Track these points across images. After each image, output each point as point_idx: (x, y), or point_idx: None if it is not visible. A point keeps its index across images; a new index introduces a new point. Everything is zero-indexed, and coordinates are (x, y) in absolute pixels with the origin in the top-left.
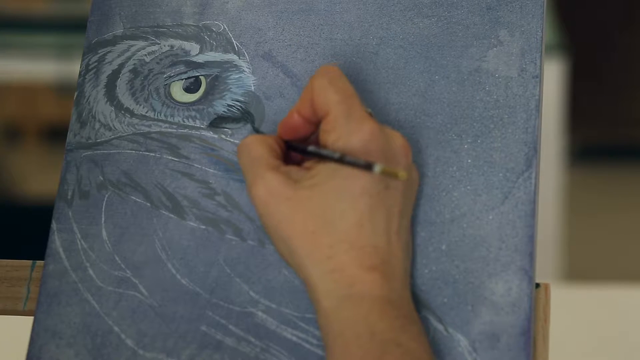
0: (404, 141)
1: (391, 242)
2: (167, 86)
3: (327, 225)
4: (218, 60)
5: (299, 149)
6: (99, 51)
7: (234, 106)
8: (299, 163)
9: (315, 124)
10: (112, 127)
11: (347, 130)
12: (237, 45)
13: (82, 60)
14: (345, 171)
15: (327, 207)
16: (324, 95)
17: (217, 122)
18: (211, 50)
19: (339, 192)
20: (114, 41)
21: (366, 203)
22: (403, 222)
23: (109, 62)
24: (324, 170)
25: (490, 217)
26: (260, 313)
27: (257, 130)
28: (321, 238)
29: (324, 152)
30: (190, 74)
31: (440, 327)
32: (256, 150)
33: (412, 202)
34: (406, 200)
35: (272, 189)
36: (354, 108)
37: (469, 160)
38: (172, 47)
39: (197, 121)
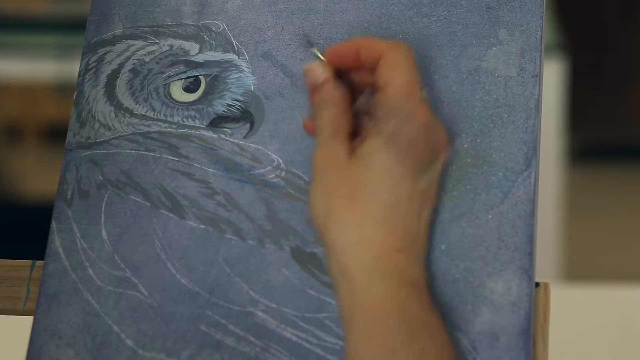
0: (444, 136)
1: (420, 229)
2: (167, 86)
3: (368, 195)
4: (217, 59)
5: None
6: (99, 51)
7: (233, 106)
8: (358, 114)
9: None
10: (112, 127)
11: (402, 115)
12: (236, 45)
13: (82, 60)
14: (392, 152)
15: (369, 181)
16: (392, 69)
17: (216, 122)
18: (211, 50)
19: (383, 170)
20: (114, 41)
21: (405, 188)
22: (430, 213)
23: (108, 61)
24: (374, 143)
25: (490, 217)
26: (260, 312)
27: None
28: (359, 205)
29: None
30: (190, 73)
31: None
32: (333, 99)
33: (439, 195)
34: (439, 191)
35: (332, 157)
36: (413, 94)
37: (469, 160)
38: (171, 46)
39: (197, 121)
